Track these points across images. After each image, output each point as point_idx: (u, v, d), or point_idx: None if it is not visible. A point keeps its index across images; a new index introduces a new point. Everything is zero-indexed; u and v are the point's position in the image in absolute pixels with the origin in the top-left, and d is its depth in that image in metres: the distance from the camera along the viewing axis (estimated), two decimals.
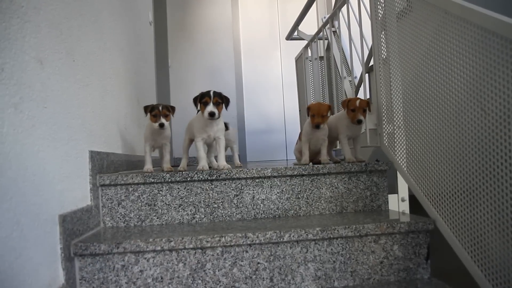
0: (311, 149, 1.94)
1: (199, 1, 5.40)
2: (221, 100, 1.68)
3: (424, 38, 1.35)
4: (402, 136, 1.57)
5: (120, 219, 1.54)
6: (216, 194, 1.58)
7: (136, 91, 2.45)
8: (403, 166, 1.56)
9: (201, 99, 1.67)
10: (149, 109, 1.77)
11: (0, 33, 0.91)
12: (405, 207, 1.66)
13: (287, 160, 4.72)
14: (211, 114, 1.64)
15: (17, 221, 0.93)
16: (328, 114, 1.86)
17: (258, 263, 1.32)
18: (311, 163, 1.96)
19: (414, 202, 1.56)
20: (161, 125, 1.73)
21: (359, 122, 1.75)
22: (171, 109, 1.80)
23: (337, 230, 1.33)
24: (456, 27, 1.15)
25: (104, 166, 1.61)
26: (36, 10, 1.09)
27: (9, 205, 0.90)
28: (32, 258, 0.99)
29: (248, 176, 1.58)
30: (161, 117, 1.74)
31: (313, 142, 1.93)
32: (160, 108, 1.75)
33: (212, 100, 1.65)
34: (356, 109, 1.75)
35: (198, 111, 1.78)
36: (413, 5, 1.41)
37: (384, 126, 1.69)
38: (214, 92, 1.67)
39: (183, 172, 1.56)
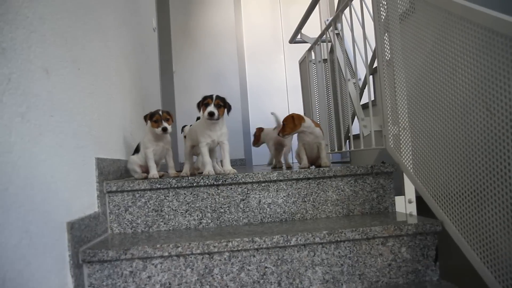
0: (308, 153, 1.97)
1: (202, 6, 5.43)
2: (223, 103, 1.69)
3: (427, 39, 1.34)
4: (407, 137, 1.56)
5: (128, 225, 1.55)
6: (222, 199, 1.58)
7: (141, 97, 2.46)
8: (409, 168, 1.56)
9: (204, 101, 1.69)
10: (149, 116, 1.76)
11: (7, 43, 0.92)
12: (412, 209, 1.65)
13: (292, 163, 4.71)
14: (211, 114, 1.65)
15: (26, 229, 0.94)
16: (302, 125, 1.95)
17: (266, 267, 1.32)
18: (313, 166, 1.97)
19: (421, 203, 1.56)
20: (164, 129, 1.72)
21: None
22: (170, 115, 1.80)
23: (344, 233, 1.33)
24: (460, 28, 1.15)
25: (110, 172, 1.62)
26: (42, 20, 1.10)
27: (18, 214, 0.91)
28: (41, 265, 1.00)
29: (254, 180, 1.58)
30: (163, 121, 1.73)
31: (307, 146, 1.96)
32: (160, 112, 1.75)
33: (213, 102, 1.66)
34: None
35: (197, 118, 1.78)
36: (415, 6, 1.41)
37: (389, 127, 1.69)
38: (217, 95, 1.69)
39: (189, 178, 1.56)
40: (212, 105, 1.66)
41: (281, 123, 1.97)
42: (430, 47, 1.33)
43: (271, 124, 2.41)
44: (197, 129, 1.79)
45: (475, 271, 1.16)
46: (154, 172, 1.77)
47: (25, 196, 0.95)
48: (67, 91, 1.25)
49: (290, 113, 2.00)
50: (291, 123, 1.91)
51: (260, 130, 2.51)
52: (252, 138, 2.58)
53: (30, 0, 1.04)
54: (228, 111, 1.74)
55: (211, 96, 1.68)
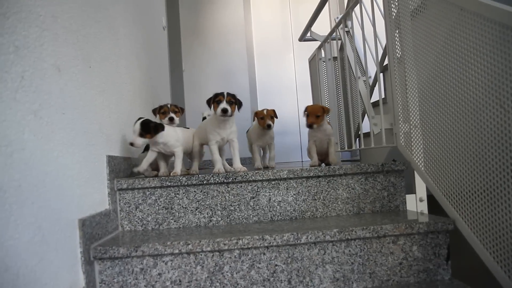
0: (318, 150, 1.96)
1: (212, 4, 5.43)
2: (234, 100, 1.70)
3: (439, 36, 1.33)
4: (419, 135, 1.55)
5: (138, 223, 1.55)
6: (232, 197, 1.58)
7: (151, 95, 2.48)
8: (420, 166, 1.54)
9: (215, 98, 1.70)
10: (158, 109, 1.83)
11: (20, 41, 0.93)
12: (423, 207, 1.64)
13: (302, 161, 4.70)
14: (224, 111, 1.66)
15: (39, 225, 0.95)
16: (327, 116, 1.94)
17: (276, 265, 1.32)
18: (323, 164, 1.96)
19: (432, 202, 1.54)
20: (171, 119, 1.76)
21: (269, 126, 1.98)
22: (180, 109, 1.85)
23: (355, 231, 1.32)
24: (473, 24, 1.13)
25: (121, 170, 1.63)
26: (54, 19, 1.11)
27: (31, 210, 0.92)
28: (53, 262, 1.01)
29: (264, 178, 1.58)
30: (171, 113, 1.79)
31: (317, 143, 1.95)
32: (169, 106, 1.81)
33: (225, 99, 1.67)
34: (265, 117, 1.98)
35: (203, 118, 1.79)
36: (427, 2, 1.39)
37: (400, 125, 1.67)
38: (228, 92, 1.70)
39: (199, 175, 1.57)
40: (224, 102, 1.67)
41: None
42: (442, 43, 1.31)
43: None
44: (206, 127, 1.80)
45: (488, 270, 1.14)
46: (164, 170, 1.78)
47: (38, 193, 0.96)
48: (78, 89, 1.26)
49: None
50: (322, 113, 1.90)
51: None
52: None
53: None
54: (239, 107, 1.75)
55: (222, 94, 1.69)
